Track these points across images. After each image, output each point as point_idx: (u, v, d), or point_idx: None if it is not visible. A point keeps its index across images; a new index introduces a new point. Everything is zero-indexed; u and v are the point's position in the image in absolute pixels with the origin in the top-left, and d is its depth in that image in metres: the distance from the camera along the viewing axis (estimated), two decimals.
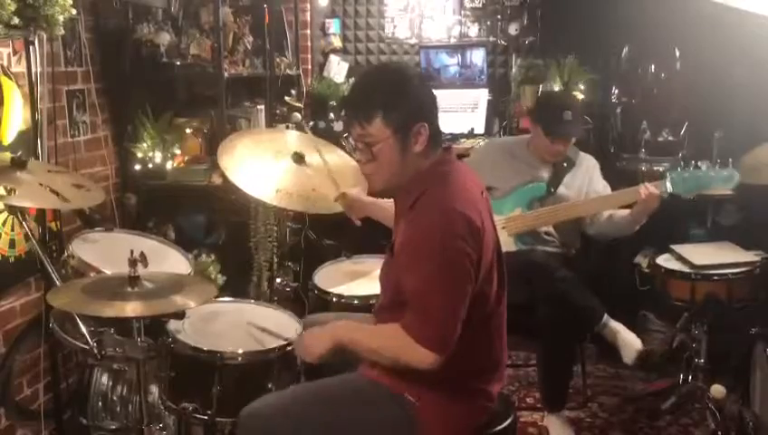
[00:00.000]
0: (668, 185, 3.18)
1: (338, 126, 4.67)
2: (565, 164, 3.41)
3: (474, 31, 4.92)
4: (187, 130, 3.93)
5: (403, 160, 2.01)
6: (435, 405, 2.02)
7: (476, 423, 2.11)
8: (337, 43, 5.11)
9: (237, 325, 2.60)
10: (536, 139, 3.39)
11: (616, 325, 3.13)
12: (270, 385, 2.36)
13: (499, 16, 4.84)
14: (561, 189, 3.37)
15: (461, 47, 4.91)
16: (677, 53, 4.23)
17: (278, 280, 3.50)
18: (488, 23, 4.88)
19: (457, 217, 1.91)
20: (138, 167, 3.77)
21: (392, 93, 1.99)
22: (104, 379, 2.80)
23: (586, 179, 3.41)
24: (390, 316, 2.05)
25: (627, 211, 3.27)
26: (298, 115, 4.70)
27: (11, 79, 2.98)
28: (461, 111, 4.72)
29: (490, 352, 2.11)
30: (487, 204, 2.11)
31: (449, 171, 2.04)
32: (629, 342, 3.10)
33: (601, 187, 3.39)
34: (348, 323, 2.16)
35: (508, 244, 3.29)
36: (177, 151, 3.83)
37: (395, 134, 1.98)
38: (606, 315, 3.13)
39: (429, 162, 2.04)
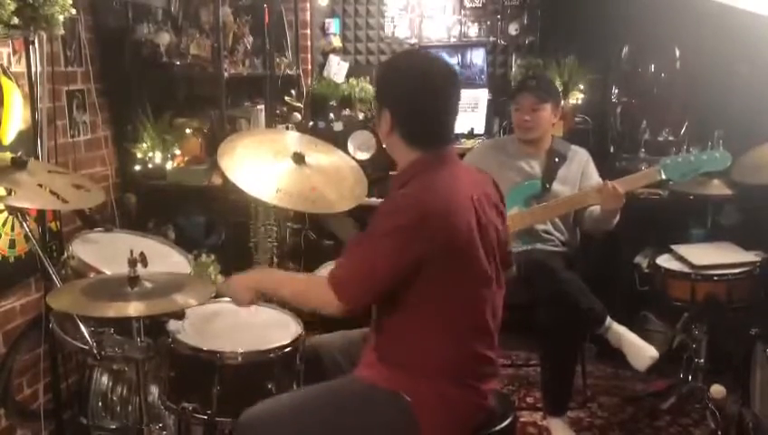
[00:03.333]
0: (661, 172, 3.19)
1: (338, 126, 4.67)
2: (557, 159, 3.42)
3: (474, 31, 4.91)
4: (187, 131, 3.94)
5: (380, 130, 2.13)
6: (430, 401, 2.03)
7: (473, 420, 2.11)
8: (337, 42, 5.10)
9: (237, 325, 2.60)
10: (514, 121, 3.47)
11: (619, 329, 3.12)
12: (270, 385, 2.36)
13: (499, 16, 4.84)
14: (556, 185, 3.38)
15: (461, 47, 4.90)
16: (677, 53, 4.23)
17: None
18: (488, 22, 4.88)
19: (417, 206, 1.95)
20: (138, 167, 3.77)
21: (387, 73, 2.15)
22: (104, 379, 2.80)
23: (579, 172, 3.42)
24: (388, 309, 2.06)
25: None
26: (298, 115, 4.70)
27: (11, 79, 2.98)
28: (461, 111, 4.67)
29: (483, 351, 2.11)
30: (477, 205, 2.06)
31: (437, 167, 2.06)
32: (641, 348, 3.07)
33: (595, 180, 3.40)
34: (272, 270, 2.24)
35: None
36: (177, 151, 3.83)
37: (377, 104, 2.14)
38: (609, 319, 3.12)
39: (418, 155, 2.06)
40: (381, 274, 1.97)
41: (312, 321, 2.66)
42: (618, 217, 3.25)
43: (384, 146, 2.20)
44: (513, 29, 4.80)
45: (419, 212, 1.94)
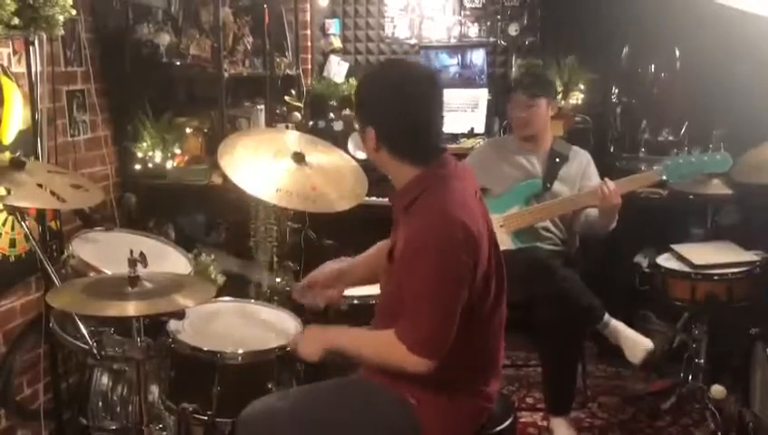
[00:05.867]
0: (662, 173, 3.21)
1: (338, 126, 4.67)
2: (557, 159, 3.43)
3: (474, 31, 4.91)
4: (188, 130, 3.94)
5: (366, 149, 2.08)
6: (434, 406, 2.02)
7: (477, 424, 2.11)
8: (337, 43, 5.10)
9: (237, 325, 2.60)
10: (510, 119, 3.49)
11: (617, 325, 3.13)
12: (270, 385, 2.36)
13: (499, 17, 4.84)
14: (557, 184, 3.39)
15: (461, 47, 4.90)
16: (677, 53, 4.24)
17: (278, 280, 3.50)
18: (488, 23, 4.88)
19: (454, 224, 1.89)
20: (138, 166, 3.77)
21: (363, 88, 2.07)
22: (104, 379, 2.80)
23: (580, 173, 3.43)
24: (390, 322, 2.03)
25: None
26: (298, 115, 4.70)
27: (11, 79, 2.98)
28: (461, 111, 4.71)
29: (487, 354, 2.11)
30: (482, 206, 2.10)
31: (446, 175, 2.02)
32: (636, 341, 3.10)
33: (595, 182, 3.40)
34: (346, 330, 2.17)
35: (507, 242, 3.30)
36: (178, 151, 3.83)
37: (358, 123, 2.08)
38: (607, 315, 3.13)
39: (418, 171, 2.01)
40: (454, 311, 1.91)
41: (313, 320, 2.67)
42: (615, 221, 3.27)
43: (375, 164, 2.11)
44: (513, 29, 4.80)
45: (458, 227, 1.89)
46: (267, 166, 2.68)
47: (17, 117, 3.00)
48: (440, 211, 1.93)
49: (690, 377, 3.48)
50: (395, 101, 1.98)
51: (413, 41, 5.01)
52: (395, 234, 2.11)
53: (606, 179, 3.20)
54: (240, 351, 2.37)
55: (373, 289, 2.45)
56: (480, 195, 2.14)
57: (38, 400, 3.22)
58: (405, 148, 2.02)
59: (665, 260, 3.44)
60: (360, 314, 2.63)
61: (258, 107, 4.30)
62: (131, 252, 2.21)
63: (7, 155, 2.79)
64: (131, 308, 2.10)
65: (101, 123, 3.68)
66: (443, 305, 1.91)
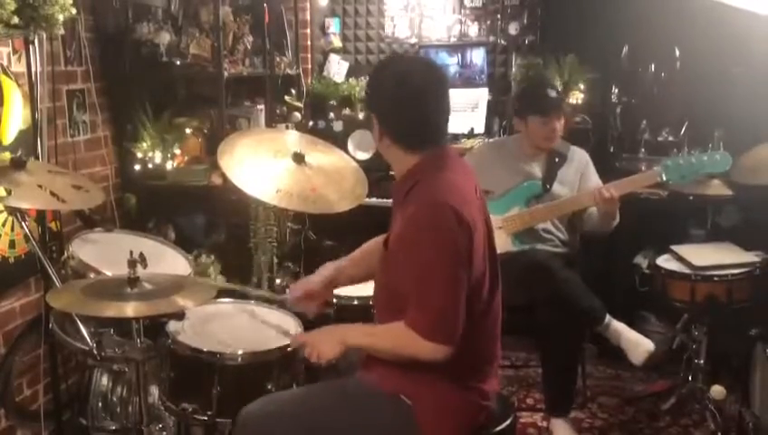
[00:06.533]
0: (662, 174, 3.20)
1: (338, 126, 4.67)
2: (557, 159, 3.42)
3: (474, 30, 4.91)
4: (187, 130, 3.93)
5: (373, 137, 2.14)
6: (430, 404, 2.02)
7: (474, 422, 2.11)
8: (337, 42, 5.10)
9: (237, 326, 2.59)
10: (530, 130, 3.40)
11: (619, 326, 3.13)
12: (270, 386, 2.36)
13: (499, 16, 4.84)
14: (556, 186, 3.39)
15: (461, 47, 4.90)
16: (677, 53, 4.23)
17: (278, 280, 3.50)
18: (488, 22, 4.88)
19: (443, 209, 1.92)
20: (137, 167, 3.77)
21: (370, 80, 2.16)
22: (104, 380, 2.81)
23: (579, 174, 3.42)
24: (390, 312, 2.05)
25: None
26: (298, 115, 4.70)
27: (11, 78, 2.98)
28: (461, 111, 4.71)
29: (482, 351, 2.11)
30: (481, 203, 2.11)
31: (442, 166, 2.05)
32: (638, 343, 3.10)
33: (594, 182, 3.40)
34: (356, 327, 2.19)
35: (507, 244, 3.30)
36: (177, 151, 3.83)
37: (367, 112, 2.11)
38: (608, 316, 3.13)
39: (416, 159, 2.05)
40: (458, 292, 1.93)
41: (313, 322, 2.66)
42: (617, 220, 3.27)
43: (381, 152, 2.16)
44: (513, 29, 4.80)
45: (447, 211, 1.92)
46: (267, 166, 2.68)
47: (17, 117, 3.00)
48: (429, 199, 1.97)
49: (690, 377, 3.49)
50: (396, 93, 2.04)
51: (413, 40, 5.01)
52: (392, 223, 2.13)
53: (606, 185, 3.20)
54: (240, 351, 2.37)
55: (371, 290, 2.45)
56: (481, 193, 2.15)
57: (38, 400, 3.22)
58: (404, 137, 2.06)
59: (665, 261, 3.43)
60: (361, 313, 2.63)
61: (258, 107, 4.30)
62: (131, 253, 2.21)
63: (7, 155, 2.78)
64: (131, 309, 2.11)
65: (101, 123, 3.68)
66: (446, 287, 1.93)
